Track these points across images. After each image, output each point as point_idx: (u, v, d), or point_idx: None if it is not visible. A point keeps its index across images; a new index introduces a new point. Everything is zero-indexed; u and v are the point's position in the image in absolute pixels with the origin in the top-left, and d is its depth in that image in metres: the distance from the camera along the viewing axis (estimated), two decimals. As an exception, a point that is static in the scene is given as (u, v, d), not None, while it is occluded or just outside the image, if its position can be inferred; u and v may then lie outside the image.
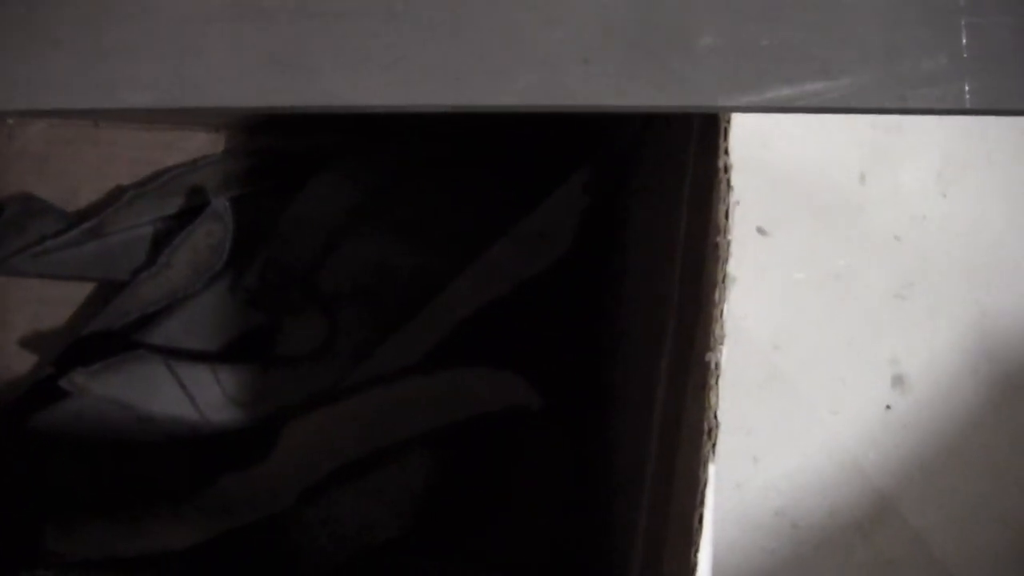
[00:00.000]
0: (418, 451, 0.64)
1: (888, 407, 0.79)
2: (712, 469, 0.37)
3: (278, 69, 0.36)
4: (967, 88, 0.37)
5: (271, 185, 0.71)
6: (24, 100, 0.37)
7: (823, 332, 0.80)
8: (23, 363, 0.73)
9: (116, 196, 0.72)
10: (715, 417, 0.37)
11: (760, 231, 0.75)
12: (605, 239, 0.65)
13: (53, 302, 0.73)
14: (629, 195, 0.61)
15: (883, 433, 0.79)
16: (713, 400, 0.37)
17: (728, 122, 0.39)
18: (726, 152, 0.39)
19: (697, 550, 0.37)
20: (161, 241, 0.70)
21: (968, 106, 0.37)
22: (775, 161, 0.74)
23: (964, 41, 0.37)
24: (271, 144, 0.72)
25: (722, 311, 0.38)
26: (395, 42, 0.36)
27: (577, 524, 0.67)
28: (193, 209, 0.70)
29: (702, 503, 0.37)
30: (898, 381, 0.79)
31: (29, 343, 0.73)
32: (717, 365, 0.37)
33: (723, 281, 0.38)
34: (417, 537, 0.66)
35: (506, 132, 0.69)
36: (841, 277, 0.79)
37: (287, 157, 0.72)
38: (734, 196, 0.38)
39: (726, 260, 0.38)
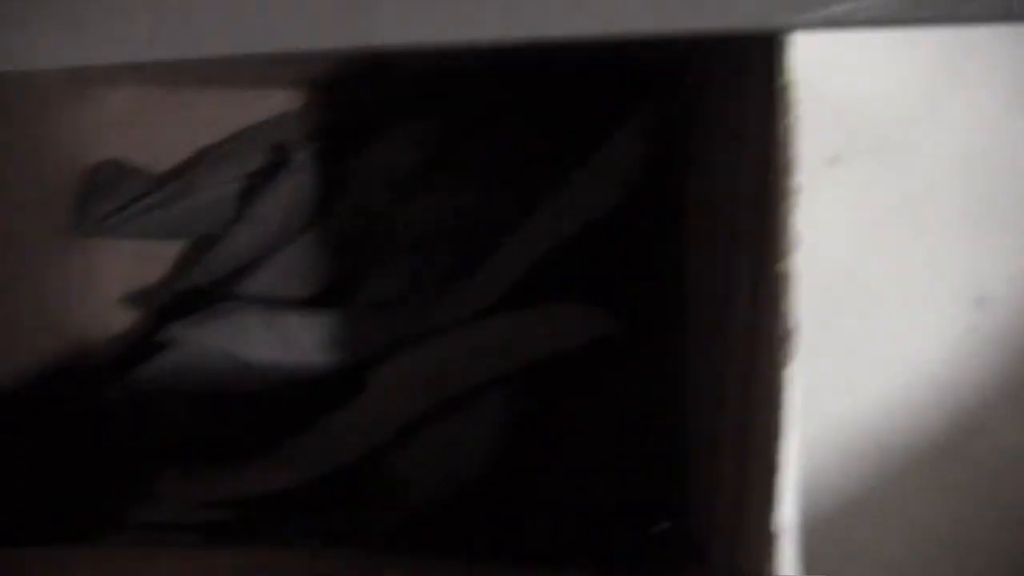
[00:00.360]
0: (504, 387, 0.66)
1: (972, 328, 0.79)
2: (790, 374, 0.38)
3: (346, 10, 0.38)
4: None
5: (349, 137, 0.73)
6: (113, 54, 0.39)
7: (899, 257, 0.80)
8: (120, 321, 0.76)
9: (200, 157, 0.75)
10: (789, 324, 0.39)
11: (828, 160, 0.76)
12: (666, 174, 0.66)
13: (146, 260, 0.76)
14: (690, 130, 0.62)
15: (968, 354, 0.79)
16: (785, 308, 0.39)
17: (785, 42, 0.40)
18: (785, 71, 0.40)
19: (778, 452, 0.38)
20: (247, 197, 0.72)
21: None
22: (838, 90, 0.74)
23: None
24: (349, 99, 0.74)
25: (790, 222, 0.39)
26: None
27: (658, 450, 0.69)
28: (275, 164, 0.73)
29: (779, 407, 0.38)
30: (980, 302, 0.79)
31: (124, 301, 0.76)
32: (788, 275, 0.39)
33: (789, 193, 0.39)
34: (504, 475, 0.68)
35: (570, 76, 0.70)
36: (913, 201, 0.80)
37: (363, 110, 0.73)
38: (797, 117, 0.39)
39: (791, 172, 0.39)
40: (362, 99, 0.73)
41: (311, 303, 0.70)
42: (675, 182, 0.66)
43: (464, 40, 0.39)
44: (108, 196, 0.73)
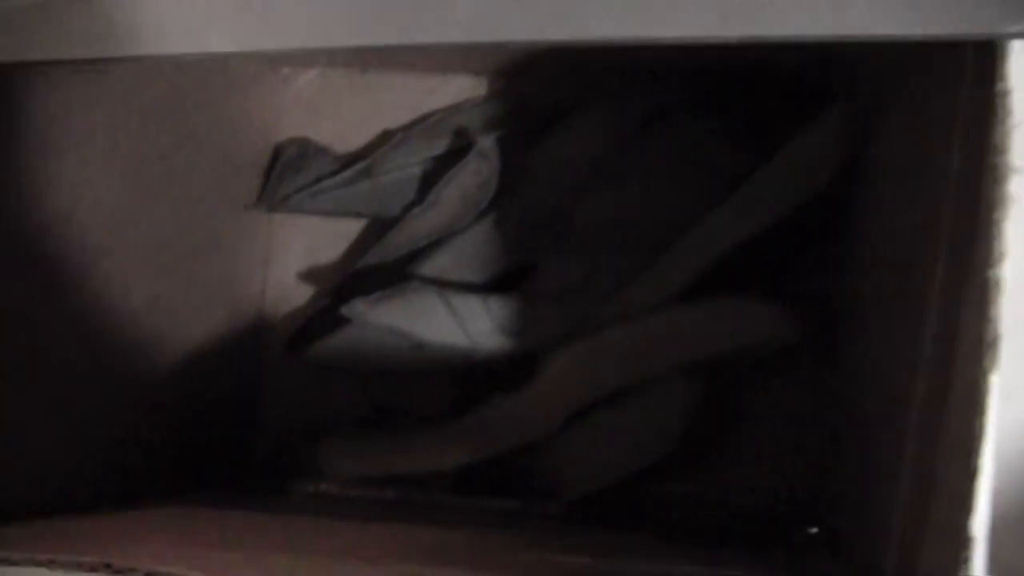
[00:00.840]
0: (678, 381, 0.66)
1: None
2: (995, 379, 0.38)
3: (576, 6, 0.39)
4: None
5: (532, 128, 0.74)
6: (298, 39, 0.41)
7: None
8: (301, 295, 0.78)
9: (385, 138, 0.77)
10: (997, 330, 0.38)
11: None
12: (855, 174, 0.66)
13: (328, 237, 0.78)
14: (878, 131, 0.62)
15: None
16: (994, 313, 0.39)
17: (1006, 49, 0.40)
18: (1004, 77, 0.40)
19: (979, 455, 0.38)
20: (429, 179, 0.74)
21: None
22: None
23: None
24: (531, 88, 0.75)
25: (1002, 229, 0.39)
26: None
27: (823, 452, 0.68)
28: (458, 149, 0.74)
29: (983, 412, 0.38)
30: None
31: (306, 276, 0.78)
32: (998, 281, 0.39)
33: (1003, 200, 0.39)
34: (672, 465, 0.68)
35: (755, 76, 0.70)
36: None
37: (546, 100, 0.75)
38: (1013, 120, 0.39)
39: (1006, 179, 0.39)
40: (548, 90, 0.74)
41: (487, 288, 0.72)
42: (843, 184, 0.65)
43: (678, 38, 0.39)
44: (294, 174, 0.76)
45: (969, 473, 0.39)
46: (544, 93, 0.75)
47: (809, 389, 0.71)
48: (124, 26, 0.43)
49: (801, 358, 0.70)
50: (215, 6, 0.43)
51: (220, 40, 0.43)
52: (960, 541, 0.40)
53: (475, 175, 0.72)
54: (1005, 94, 0.39)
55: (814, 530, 0.69)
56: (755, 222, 0.65)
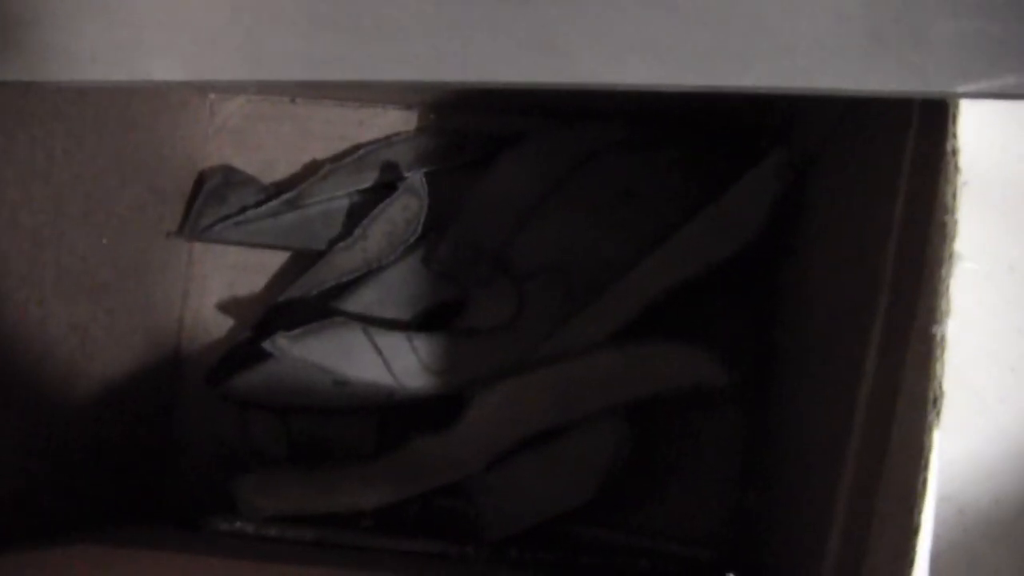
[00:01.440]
0: (604, 423, 0.66)
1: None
2: (937, 436, 0.38)
3: (534, 49, 0.39)
4: None
5: (463, 163, 0.74)
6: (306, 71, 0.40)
7: (999, 322, 0.79)
8: (220, 327, 0.77)
9: (313, 170, 0.75)
10: (940, 387, 0.39)
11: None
12: (788, 222, 0.66)
13: (249, 269, 0.77)
14: (820, 181, 0.62)
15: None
16: (938, 371, 0.39)
17: (956, 108, 0.40)
18: (954, 136, 0.40)
19: (920, 512, 0.38)
20: (357, 213, 0.73)
21: None
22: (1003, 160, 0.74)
23: None
24: (463, 123, 0.75)
25: (948, 287, 0.39)
26: (646, 24, 0.38)
27: (751, 498, 0.68)
28: (387, 184, 0.73)
29: (926, 468, 0.38)
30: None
31: (226, 308, 0.76)
32: (943, 338, 0.39)
33: (949, 258, 0.39)
34: (596, 509, 0.68)
35: (692, 118, 0.71)
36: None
37: (479, 136, 0.74)
38: (961, 178, 0.39)
39: (953, 238, 0.39)
40: (481, 125, 0.74)
41: (413, 325, 0.71)
42: (792, 228, 0.66)
43: (658, 84, 0.39)
44: (218, 203, 0.74)
45: (910, 529, 0.39)
46: (476, 129, 0.74)
47: (737, 433, 0.71)
48: (58, 50, 0.41)
49: (730, 403, 0.71)
50: (153, 34, 0.42)
51: (157, 68, 0.42)
52: (898, 599, 0.39)
53: (403, 210, 0.71)
54: (955, 152, 0.39)
55: (732, 576, 0.69)
56: (688, 269, 0.65)
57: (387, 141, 0.75)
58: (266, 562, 0.62)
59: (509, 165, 0.72)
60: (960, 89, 0.39)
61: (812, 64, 0.39)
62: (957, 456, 0.48)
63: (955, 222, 0.39)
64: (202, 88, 0.75)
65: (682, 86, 0.39)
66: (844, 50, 0.39)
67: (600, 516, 0.70)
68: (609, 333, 0.66)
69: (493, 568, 0.67)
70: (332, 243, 0.73)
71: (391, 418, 0.71)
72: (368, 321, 0.70)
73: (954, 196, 0.39)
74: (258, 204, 0.74)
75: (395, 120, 0.76)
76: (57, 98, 0.57)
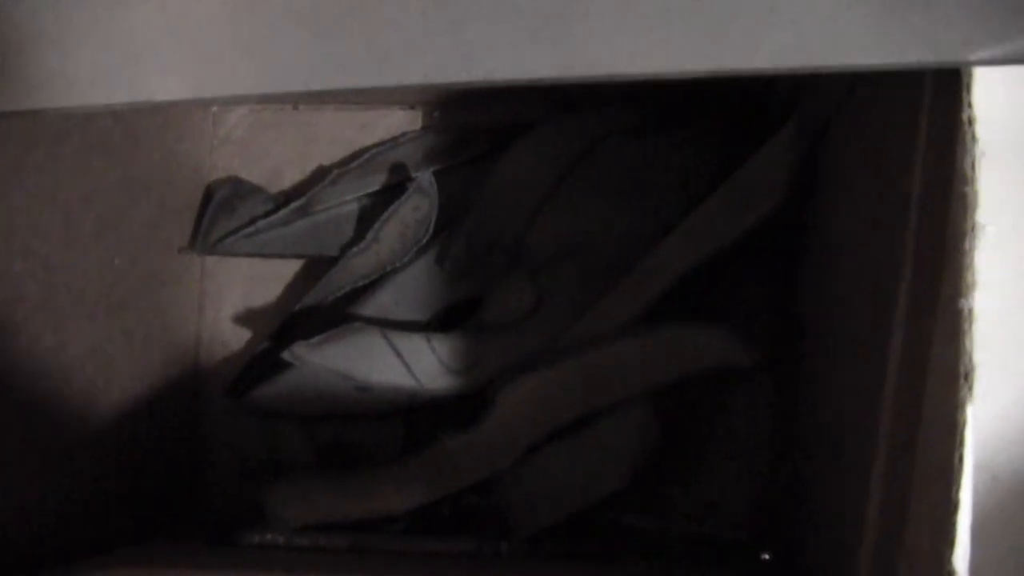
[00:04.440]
0: (633, 410, 0.65)
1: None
2: (970, 411, 0.38)
3: (540, 44, 0.38)
4: None
5: (471, 158, 0.73)
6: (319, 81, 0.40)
7: None
8: (237, 339, 0.76)
9: (320, 176, 0.75)
10: (971, 361, 0.38)
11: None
12: (804, 195, 0.66)
13: (263, 280, 0.76)
14: (834, 152, 0.62)
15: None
16: (968, 345, 0.38)
17: (971, 76, 0.39)
18: (970, 105, 0.39)
19: (959, 488, 0.38)
20: (367, 217, 0.73)
21: None
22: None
23: None
24: (469, 118, 0.74)
25: (972, 260, 0.38)
26: (652, 10, 0.38)
27: (783, 478, 0.68)
28: (396, 185, 0.73)
29: (961, 444, 0.38)
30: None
31: (242, 319, 0.76)
32: (970, 311, 0.38)
33: (972, 230, 0.38)
34: (627, 495, 0.67)
35: (699, 96, 0.70)
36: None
37: (485, 130, 0.73)
38: (979, 148, 0.39)
39: (974, 209, 0.38)
40: (487, 118, 0.73)
41: (432, 325, 0.70)
42: (796, 205, 0.65)
43: (668, 72, 0.38)
44: (227, 215, 0.74)
45: (950, 506, 0.38)
46: (483, 123, 0.74)
47: (766, 412, 0.71)
48: (56, 76, 0.41)
49: (756, 381, 0.70)
50: (152, 54, 0.41)
51: (158, 88, 0.42)
52: (943, 574, 0.39)
53: (414, 211, 0.71)
54: (972, 122, 0.39)
55: (766, 556, 0.69)
56: (708, 246, 0.64)
57: (393, 142, 0.74)
58: (300, 574, 0.61)
59: (518, 156, 0.71)
60: (973, 57, 0.38)
61: (822, 40, 0.38)
62: (987, 423, 0.47)
63: (975, 193, 0.38)
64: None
65: (692, 72, 0.38)
66: (853, 23, 0.38)
67: (631, 502, 0.69)
68: (633, 317, 0.65)
69: (528, 563, 0.67)
70: (345, 248, 0.72)
71: (416, 420, 0.71)
72: (386, 324, 0.69)
73: (973, 167, 0.38)
74: (267, 214, 0.73)
75: (399, 121, 0.76)
76: (61, 119, 0.57)
